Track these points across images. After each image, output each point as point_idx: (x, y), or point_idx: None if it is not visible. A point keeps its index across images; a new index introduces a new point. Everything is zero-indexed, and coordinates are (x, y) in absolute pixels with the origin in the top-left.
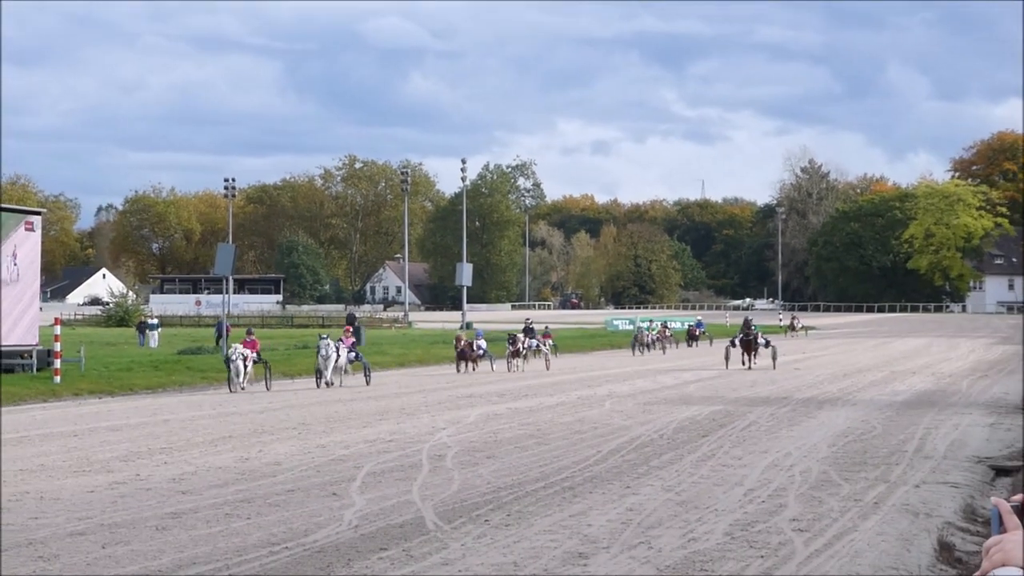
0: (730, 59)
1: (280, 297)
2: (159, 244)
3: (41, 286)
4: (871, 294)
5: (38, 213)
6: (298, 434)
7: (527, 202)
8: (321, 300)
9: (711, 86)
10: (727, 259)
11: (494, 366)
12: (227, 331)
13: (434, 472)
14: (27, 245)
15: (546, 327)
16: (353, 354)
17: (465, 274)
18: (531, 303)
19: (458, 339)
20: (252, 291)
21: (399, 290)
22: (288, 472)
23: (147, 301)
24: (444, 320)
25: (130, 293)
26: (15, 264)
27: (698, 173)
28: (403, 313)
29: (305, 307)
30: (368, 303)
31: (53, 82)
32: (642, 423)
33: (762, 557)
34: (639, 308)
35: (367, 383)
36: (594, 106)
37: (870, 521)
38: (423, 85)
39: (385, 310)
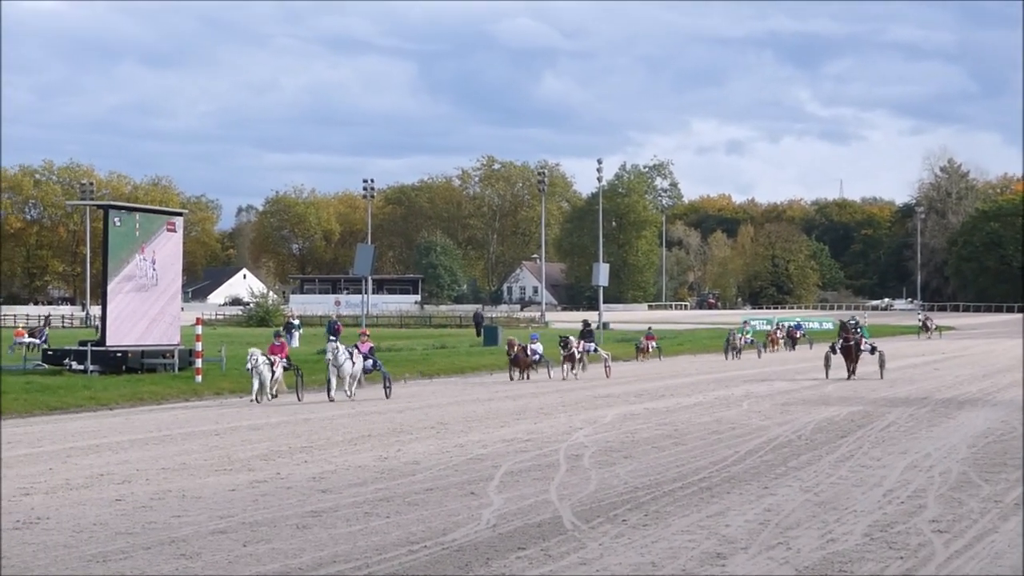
0: (863, 58)
1: (418, 297)
2: (299, 244)
3: (182, 286)
4: (1011, 294)
5: (179, 214)
6: (436, 433)
7: (664, 202)
8: (459, 300)
9: (845, 85)
10: (866, 259)
11: (552, 372)
12: (338, 330)
13: (571, 472)
14: (169, 246)
15: (649, 328)
16: (370, 361)
17: (602, 274)
18: (668, 303)
19: (511, 343)
20: (391, 291)
21: (536, 290)
22: (427, 471)
23: (287, 301)
24: (581, 320)
25: (270, 293)
26: (154, 270)
27: (834, 172)
28: (540, 313)
29: (443, 307)
30: (505, 303)
31: (189, 84)
32: (780, 423)
33: (901, 558)
34: (776, 308)
35: (387, 396)
36: (728, 106)
37: (1011, 523)
38: (555, 85)
39: (522, 310)
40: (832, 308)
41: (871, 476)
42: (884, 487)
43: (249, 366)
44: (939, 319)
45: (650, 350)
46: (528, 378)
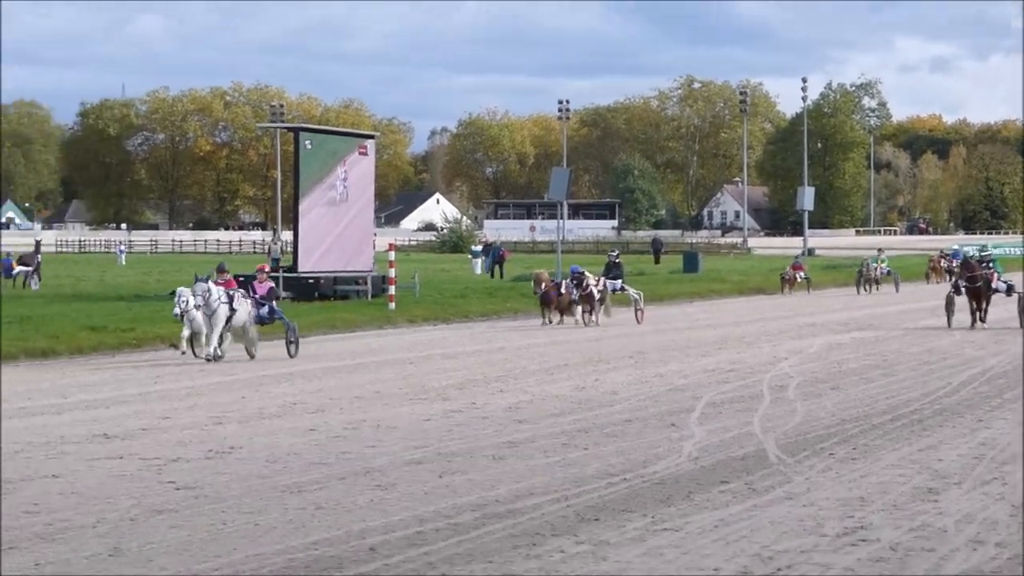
0: None
1: (615, 222)
2: (493, 168)
3: (375, 211)
4: None
5: (371, 137)
6: (634, 363)
7: (872, 122)
8: (657, 225)
9: None
10: None
11: (598, 316)
12: (503, 256)
13: (776, 403)
14: (360, 169)
15: (796, 256)
16: (265, 308)
17: (806, 198)
18: (876, 228)
19: (538, 278)
20: (587, 216)
21: (737, 215)
22: (625, 402)
23: (481, 226)
24: (784, 247)
25: (464, 218)
26: (345, 186)
27: None
28: (741, 239)
29: (641, 232)
30: (705, 228)
31: (373, 5)
32: (994, 354)
33: None
34: (990, 233)
35: (290, 354)
36: (931, 22)
37: None
38: (753, 3)
39: (723, 236)
40: None
41: None
42: None
43: (177, 311)
44: None
45: (797, 280)
46: (559, 321)
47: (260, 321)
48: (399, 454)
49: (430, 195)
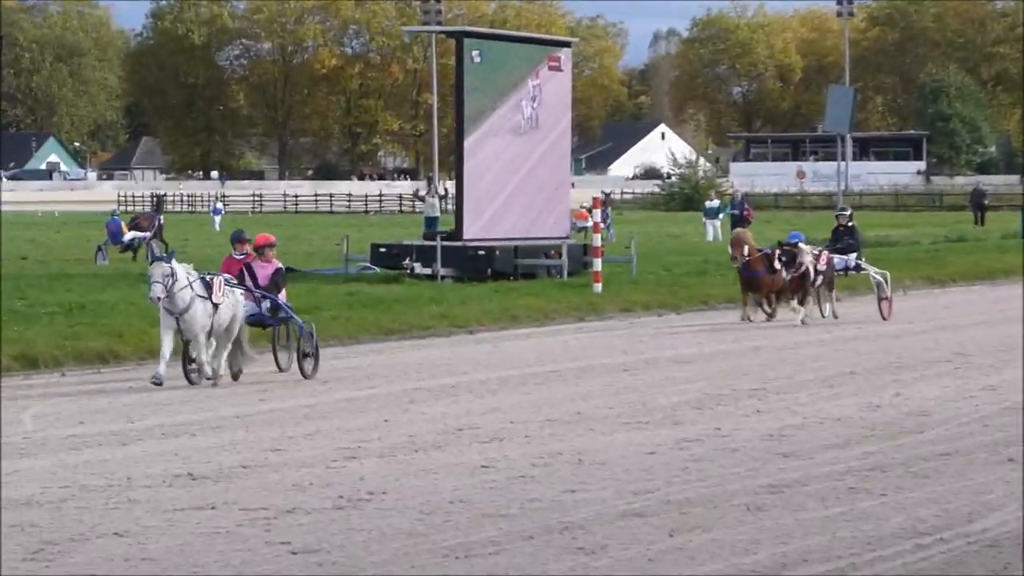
0: None
1: (923, 164)
2: (742, 88)
3: (572, 152)
4: None
5: (567, 44)
6: (955, 369)
7: None
8: (983, 169)
9: None
10: None
11: (822, 307)
12: (748, 216)
13: None
14: (550, 91)
15: None
16: (267, 303)
17: None
18: None
19: (738, 239)
20: (880, 156)
21: None
22: (941, 427)
23: (726, 172)
24: None
25: (701, 160)
26: (533, 107)
27: None
28: None
29: (959, 179)
30: None
31: None
32: None
33: None
34: None
35: (304, 372)
36: None
37: None
38: None
39: None
40: None
41: None
42: None
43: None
44: None
45: None
46: (769, 315)
47: (260, 323)
48: (610, 502)
49: (652, 127)
